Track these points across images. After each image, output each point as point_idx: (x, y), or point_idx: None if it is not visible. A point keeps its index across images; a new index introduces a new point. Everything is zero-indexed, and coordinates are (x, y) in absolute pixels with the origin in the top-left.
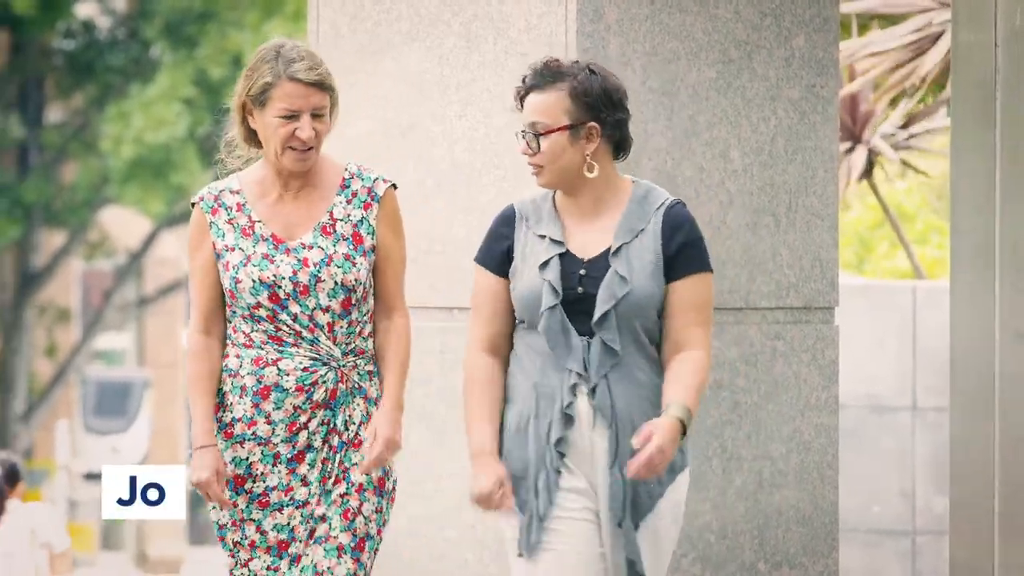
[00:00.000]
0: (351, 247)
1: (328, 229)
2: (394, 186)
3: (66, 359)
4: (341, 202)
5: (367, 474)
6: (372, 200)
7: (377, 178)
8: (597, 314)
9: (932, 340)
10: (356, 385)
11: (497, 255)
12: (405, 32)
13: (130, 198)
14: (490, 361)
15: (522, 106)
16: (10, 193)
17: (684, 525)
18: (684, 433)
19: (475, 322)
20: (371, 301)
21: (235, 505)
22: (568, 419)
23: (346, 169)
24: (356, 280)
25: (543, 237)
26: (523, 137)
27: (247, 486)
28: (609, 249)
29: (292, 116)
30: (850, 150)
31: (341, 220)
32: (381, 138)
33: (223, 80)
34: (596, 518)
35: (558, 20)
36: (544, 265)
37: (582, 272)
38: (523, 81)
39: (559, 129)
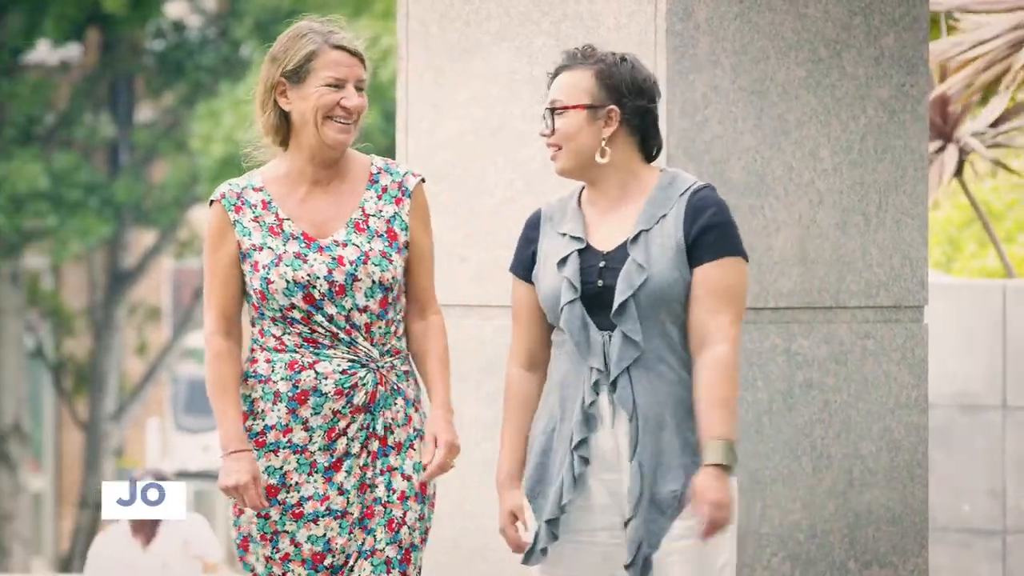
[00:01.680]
0: (386, 244)
1: (361, 225)
2: (423, 180)
3: (156, 358)
4: (372, 197)
5: (422, 481)
6: (403, 195)
7: (407, 172)
8: (615, 304)
9: (1022, 339)
10: (395, 386)
11: (526, 260)
12: (494, 32)
13: None
14: (528, 376)
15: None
16: (101, 192)
17: (775, 524)
18: (729, 467)
19: (514, 334)
20: (403, 299)
21: (267, 517)
22: (589, 419)
23: (372, 163)
24: (393, 278)
25: (564, 235)
26: (544, 118)
27: (280, 496)
28: (628, 238)
29: (338, 85)
30: (940, 149)
31: (374, 216)
32: (470, 138)
33: None
34: (620, 531)
35: (647, 19)
36: (562, 262)
37: (602, 264)
38: (558, 62)
39: (576, 107)
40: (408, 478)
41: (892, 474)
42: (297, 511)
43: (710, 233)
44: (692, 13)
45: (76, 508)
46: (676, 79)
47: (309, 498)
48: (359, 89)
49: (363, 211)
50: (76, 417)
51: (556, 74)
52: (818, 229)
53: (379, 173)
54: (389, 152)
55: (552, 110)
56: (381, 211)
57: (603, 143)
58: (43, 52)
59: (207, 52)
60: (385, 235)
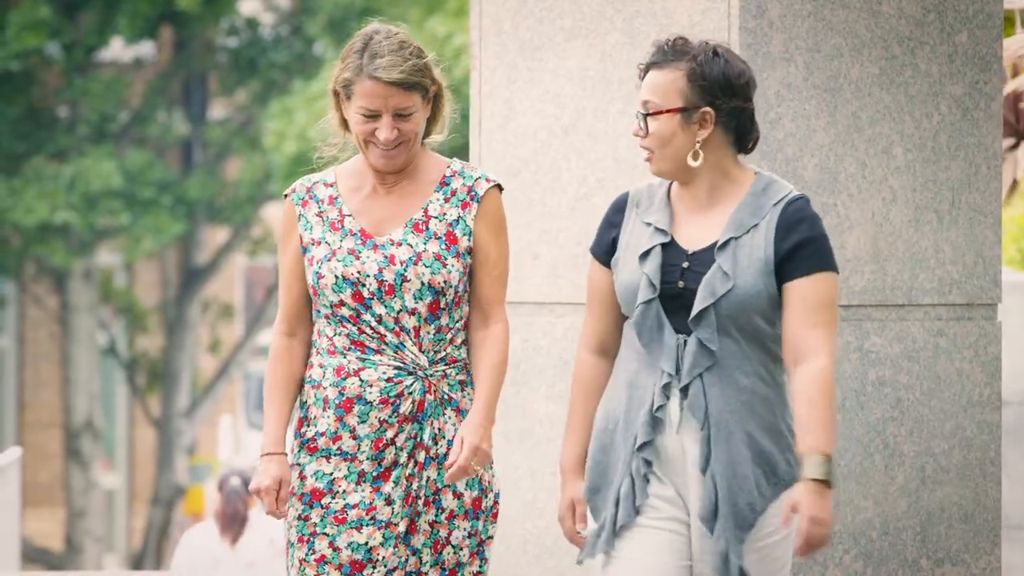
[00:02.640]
0: (443, 247)
1: (421, 226)
2: (499, 187)
3: (229, 355)
4: (438, 199)
5: (453, 483)
6: (471, 199)
7: (480, 177)
8: (695, 311)
9: None
10: (446, 396)
11: (606, 244)
12: (568, 29)
13: None
14: (597, 362)
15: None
16: (174, 190)
17: (847, 521)
18: (828, 483)
19: (587, 318)
20: (464, 308)
21: (307, 519)
22: (656, 422)
23: (448, 167)
24: (445, 282)
25: (649, 225)
26: (637, 117)
27: (324, 501)
28: (716, 243)
29: (372, 116)
30: (1014, 146)
31: (436, 218)
32: (543, 135)
33: None
34: (685, 529)
35: (720, 16)
36: (645, 255)
37: (685, 265)
38: (649, 57)
39: (670, 111)
40: (459, 495)
41: (964, 472)
42: (340, 516)
43: (805, 248)
44: (765, 10)
45: (148, 505)
46: None
47: (355, 506)
48: (402, 116)
49: (425, 212)
50: (149, 414)
51: (647, 70)
52: (891, 227)
53: (452, 176)
54: (462, 150)
55: (645, 114)
56: (445, 214)
57: (697, 146)
58: (117, 50)
59: (280, 49)
60: (444, 238)
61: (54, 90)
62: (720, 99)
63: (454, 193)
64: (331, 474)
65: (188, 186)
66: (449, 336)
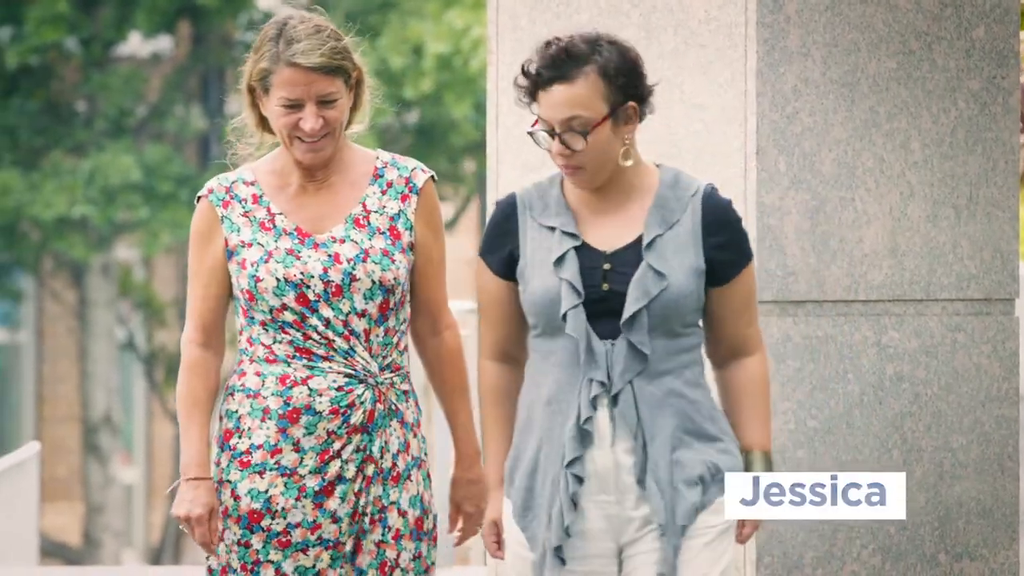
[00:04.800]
0: (388, 242)
1: (361, 221)
2: (433, 178)
3: None
4: (375, 192)
5: (398, 501)
6: (410, 192)
7: (415, 168)
8: (627, 314)
9: None
10: (392, 407)
11: (501, 254)
12: (584, 23)
13: None
14: (501, 369)
15: (534, 99)
16: (192, 184)
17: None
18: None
19: (484, 326)
20: (407, 309)
21: (248, 545)
22: (584, 435)
23: (378, 158)
24: (395, 279)
25: (552, 229)
26: (553, 137)
27: (264, 523)
28: (639, 240)
29: (294, 105)
30: None
31: (376, 212)
32: None
33: (404, 70)
34: (611, 562)
35: (738, 10)
36: (559, 261)
37: (606, 267)
38: (534, 71)
39: (603, 120)
40: (404, 514)
41: (983, 467)
42: (284, 539)
43: (731, 248)
44: (783, 5)
45: (167, 500)
46: (766, 71)
47: (297, 525)
48: (325, 103)
49: (364, 207)
50: (167, 409)
51: (547, 85)
52: (908, 222)
53: (384, 167)
54: (480, 145)
55: (582, 132)
56: (384, 207)
57: (627, 144)
58: (134, 44)
59: None
60: (388, 232)
61: (72, 85)
62: (637, 88)
63: (390, 185)
64: (266, 491)
65: (206, 180)
66: (395, 340)
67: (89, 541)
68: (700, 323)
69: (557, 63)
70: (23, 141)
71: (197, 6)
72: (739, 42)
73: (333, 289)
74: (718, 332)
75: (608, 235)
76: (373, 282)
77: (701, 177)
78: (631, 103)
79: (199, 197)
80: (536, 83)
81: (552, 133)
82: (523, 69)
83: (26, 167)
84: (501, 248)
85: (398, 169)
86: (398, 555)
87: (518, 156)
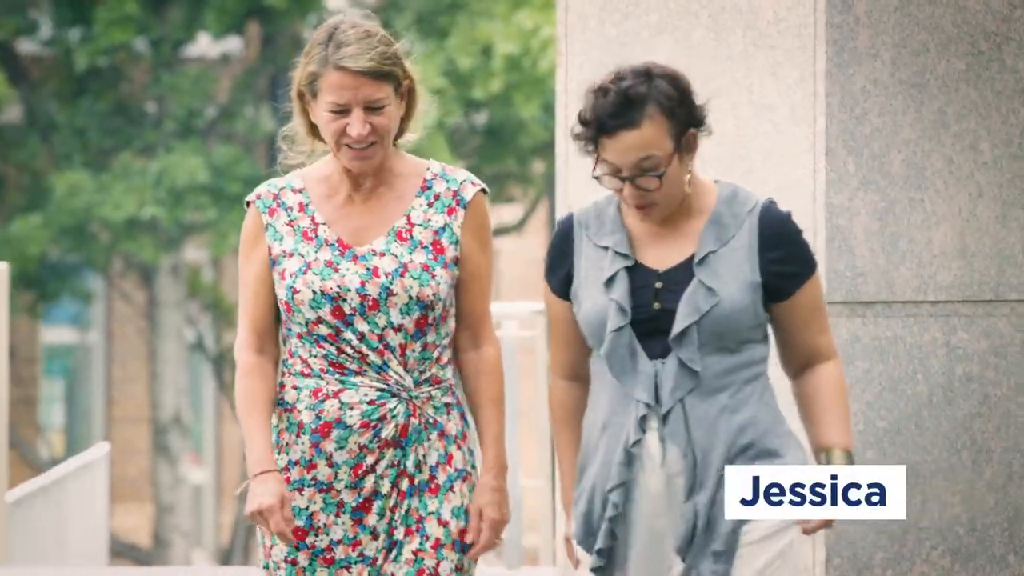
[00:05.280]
0: (430, 256)
1: (404, 235)
2: (484, 191)
3: None
4: (421, 205)
5: (437, 511)
6: (458, 205)
7: (465, 180)
8: (675, 330)
9: None
10: (431, 420)
11: (559, 274)
12: (654, 24)
13: None
14: (571, 387)
15: (595, 146)
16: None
17: (934, 517)
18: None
19: (552, 344)
20: (451, 323)
21: (295, 563)
22: (631, 459)
23: (428, 169)
24: (435, 295)
25: (606, 249)
26: (626, 181)
27: (309, 540)
28: (692, 258)
29: (342, 111)
30: None
31: (420, 225)
32: None
33: (472, 71)
34: None
35: (807, 11)
36: (610, 281)
37: (658, 285)
38: (594, 119)
39: (672, 156)
40: (446, 524)
41: None
42: (328, 556)
43: (792, 261)
44: (852, 6)
45: (236, 501)
46: (835, 72)
47: (339, 542)
48: (373, 109)
49: (408, 219)
50: (236, 409)
51: (612, 132)
52: (978, 222)
53: (434, 179)
54: (549, 145)
55: (658, 174)
56: (429, 220)
57: (689, 172)
58: (203, 45)
59: None
60: (430, 247)
61: (141, 86)
62: (694, 115)
63: (437, 197)
64: (307, 508)
65: None
66: (435, 355)
67: (158, 541)
68: (763, 338)
69: (620, 109)
70: (92, 142)
71: (266, 7)
72: (808, 43)
73: (370, 303)
74: (789, 345)
75: (662, 254)
76: (411, 297)
77: (770, 178)
78: (691, 130)
79: (248, 202)
80: (599, 130)
81: (621, 177)
82: (581, 119)
83: (96, 168)
84: (560, 268)
85: (447, 182)
86: (437, 564)
87: (588, 157)
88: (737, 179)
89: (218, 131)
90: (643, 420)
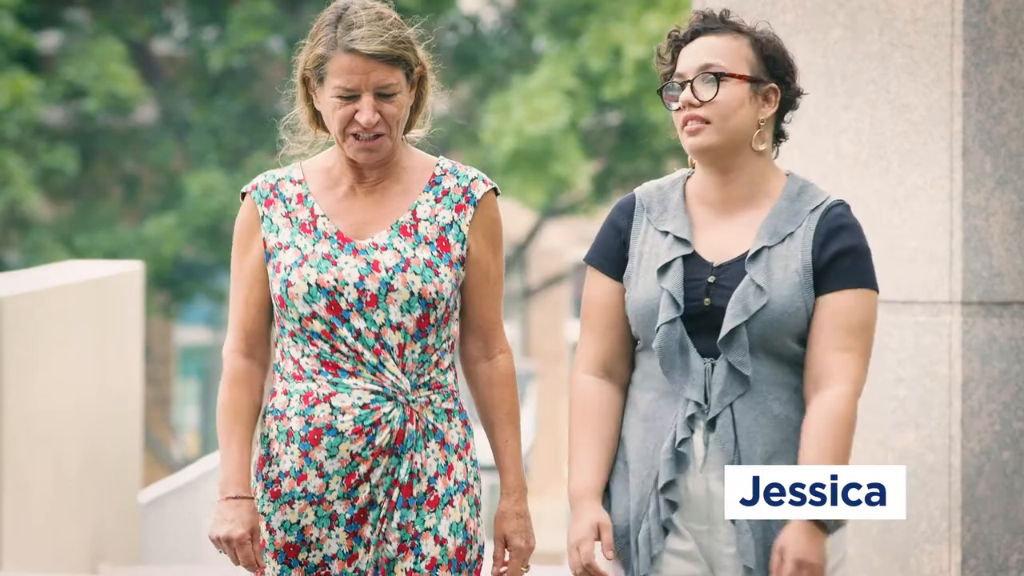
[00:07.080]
0: (435, 253)
1: (408, 229)
2: (496, 191)
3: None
4: (428, 200)
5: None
6: (467, 202)
7: (476, 177)
8: (724, 331)
9: None
10: (430, 426)
11: (612, 253)
12: (790, 24)
13: (511, 189)
14: (601, 385)
15: (674, 58)
16: None
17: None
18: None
19: (585, 337)
20: (453, 327)
21: (288, 567)
22: (680, 458)
23: (438, 164)
24: (437, 293)
25: (666, 234)
26: (682, 86)
27: (301, 556)
28: (746, 253)
29: (351, 96)
30: None
31: (426, 220)
32: None
33: (603, 72)
34: None
35: (944, 10)
36: (664, 269)
37: (710, 280)
38: (678, 32)
39: (741, 77)
40: (443, 542)
41: None
42: (322, 572)
43: (844, 259)
44: (989, 5)
45: None
46: (973, 71)
47: (334, 557)
48: (384, 96)
49: (413, 214)
50: None
51: (692, 38)
52: None
53: (443, 175)
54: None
55: (716, 75)
56: (436, 216)
57: (761, 126)
58: None
59: (501, 45)
60: (435, 243)
61: (275, 86)
62: (786, 77)
63: (446, 193)
64: (298, 523)
65: None
66: (435, 358)
67: None
68: None
69: (709, 21)
70: (227, 142)
71: (400, 8)
72: (945, 42)
73: (368, 298)
74: (809, 352)
75: (719, 245)
76: (412, 294)
77: (907, 178)
78: (773, 84)
79: (243, 193)
80: (680, 40)
81: (684, 83)
82: (668, 35)
83: (230, 168)
84: (613, 245)
85: (457, 178)
86: None
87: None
88: (873, 178)
89: None
90: (691, 419)
